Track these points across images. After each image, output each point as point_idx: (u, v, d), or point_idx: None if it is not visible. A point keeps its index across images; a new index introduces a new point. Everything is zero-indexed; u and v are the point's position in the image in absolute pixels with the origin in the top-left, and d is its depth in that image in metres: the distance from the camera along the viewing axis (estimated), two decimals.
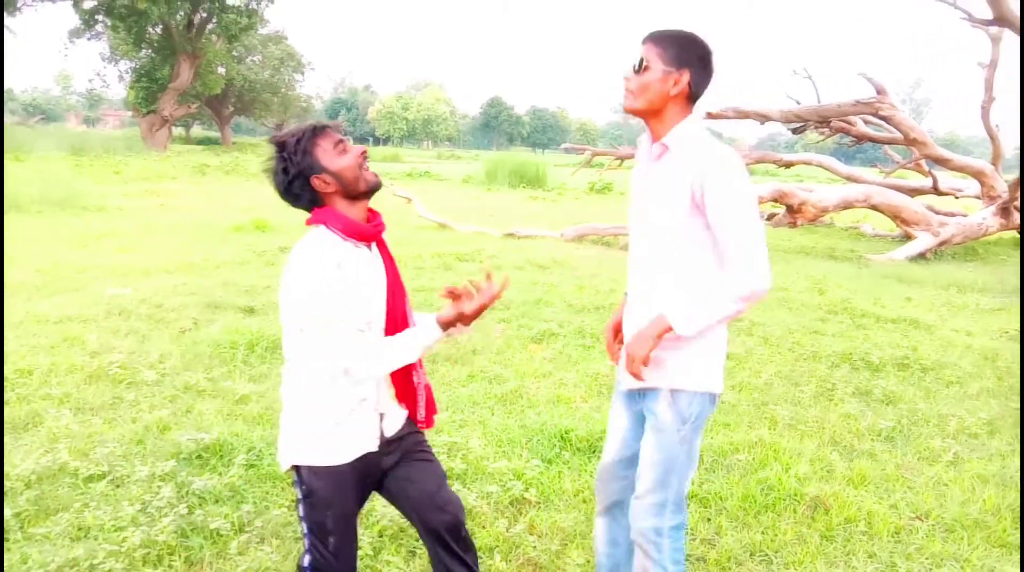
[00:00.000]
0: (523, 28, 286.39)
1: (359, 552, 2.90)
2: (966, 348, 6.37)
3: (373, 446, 2.21)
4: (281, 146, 2.09)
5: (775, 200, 14.09)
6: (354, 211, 2.12)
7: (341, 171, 2.07)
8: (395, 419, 2.29)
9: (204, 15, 40.71)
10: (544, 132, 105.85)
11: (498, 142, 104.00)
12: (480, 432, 4.18)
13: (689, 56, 2.03)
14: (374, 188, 2.13)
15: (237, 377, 4.92)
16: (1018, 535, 3.35)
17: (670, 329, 2.01)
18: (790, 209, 13.89)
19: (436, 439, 3.98)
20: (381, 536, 3.06)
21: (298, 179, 2.07)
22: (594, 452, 3.97)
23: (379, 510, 3.19)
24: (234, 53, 50.14)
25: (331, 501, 2.18)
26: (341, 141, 2.10)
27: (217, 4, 39.76)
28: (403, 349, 2.14)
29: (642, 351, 2.04)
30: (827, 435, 4.40)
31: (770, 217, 15.79)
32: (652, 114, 2.07)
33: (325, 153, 2.07)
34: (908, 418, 4.74)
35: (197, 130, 72.28)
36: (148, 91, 41.56)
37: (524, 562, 3.00)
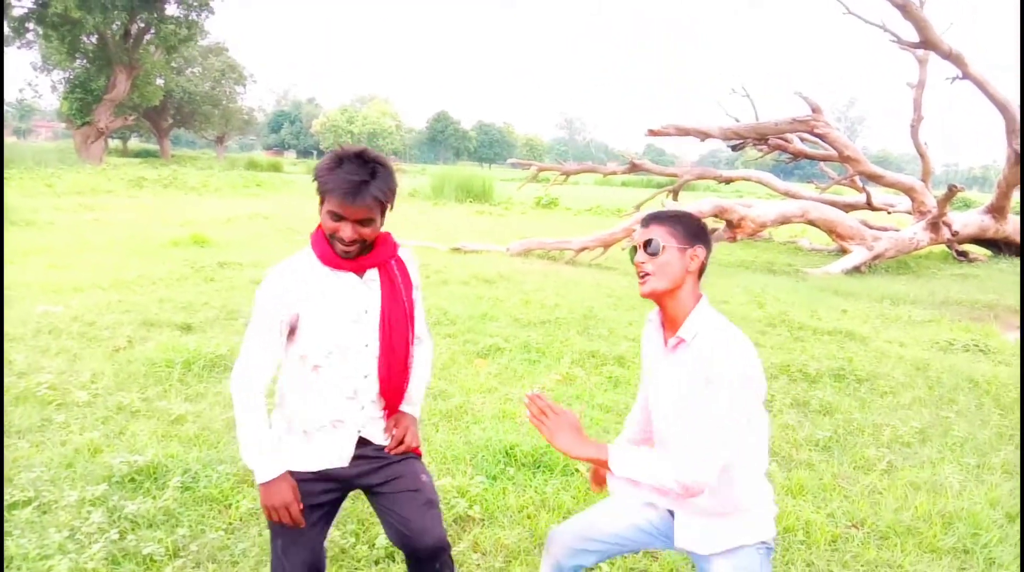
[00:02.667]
0: (470, 42, 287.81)
1: None
2: (899, 359, 6.57)
3: (344, 462, 2.22)
4: (338, 159, 2.04)
5: (715, 215, 14.36)
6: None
7: (322, 220, 2.09)
8: (377, 443, 2.27)
9: (141, 25, 39.77)
10: (491, 147, 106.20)
11: (445, 156, 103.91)
12: (424, 449, 4.13)
13: (696, 231, 2.05)
14: (340, 257, 2.12)
15: (173, 397, 4.78)
16: (948, 540, 3.46)
17: (605, 463, 1.94)
18: (730, 224, 14.18)
19: None
20: None
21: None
22: (538, 467, 3.97)
23: None
24: (173, 64, 49.09)
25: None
26: (341, 217, 2.03)
27: (155, 15, 38.89)
28: (249, 423, 2.10)
29: (565, 447, 1.95)
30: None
31: (711, 232, 16.11)
32: (671, 293, 2.03)
33: (326, 202, 2.05)
34: (844, 428, 4.86)
35: (135, 142, 70.51)
36: (83, 102, 40.31)
37: None
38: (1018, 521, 3.68)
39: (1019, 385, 5.81)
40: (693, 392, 1.97)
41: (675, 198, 16.48)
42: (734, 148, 15.58)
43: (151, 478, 3.59)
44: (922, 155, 15.99)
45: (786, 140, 15.85)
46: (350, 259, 2.12)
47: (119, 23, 38.13)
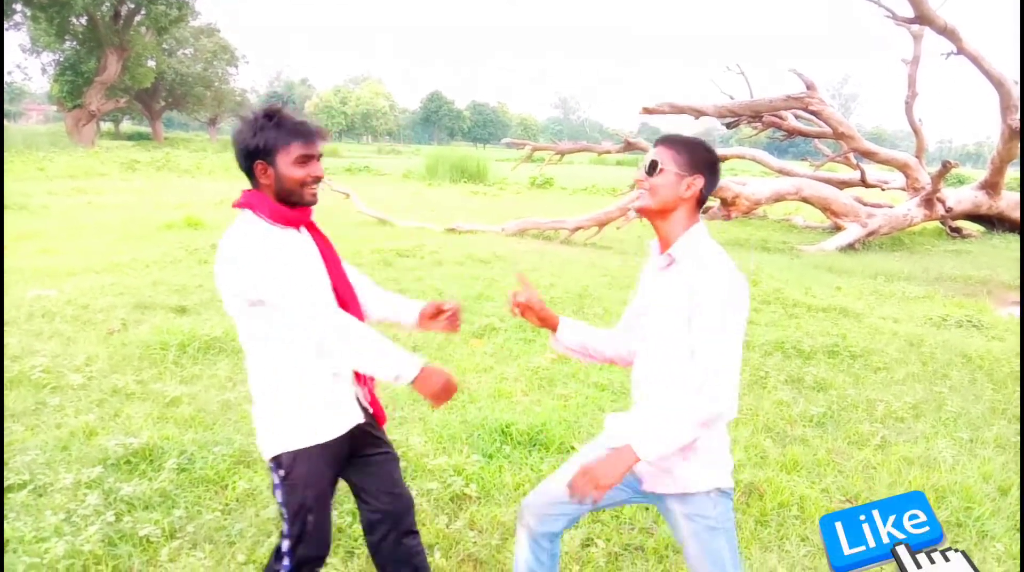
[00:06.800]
0: (463, 22, 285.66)
1: None
2: (892, 335, 6.59)
3: (359, 417, 2.23)
4: (268, 116, 2.06)
5: None
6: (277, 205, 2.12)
7: (285, 175, 2.06)
8: (365, 397, 2.30)
9: (132, 6, 39.38)
10: (485, 127, 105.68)
11: (439, 137, 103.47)
12: (420, 429, 4.15)
13: (700, 161, 2.04)
14: (305, 206, 2.13)
15: (168, 379, 4.78)
16: (941, 513, 3.48)
17: (638, 459, 1.96)
18: (724, 202, 14.15)
19: None
20: None
21: (250, 154, 2.06)
22: (534, 445, 3.98)
23: None
24: (164, 46, 48.68)
25: (309, 481, 2.17)
26: (310, 158, 2.08)
27: None
28: (379, 350, 2.06)
29: (609, 480, 1.95)
30: (761, 422, 4.50)
31: (705, 210, 16.09)
32: (662, 215, 2.07)
33: (286, 154, 2.05)
34: (838, 404, 4.88)
35: (127, 125, 70.02)
36: (73, 85, 39.99)
37: (464, 558, 2.99)
38: (1010, 494, 3.71)
39: (1013, 359, 5.83)
40: (675, 312, 2.01)
41: None
42: (728, 126, 15.52)
43: (147, 460, 3.59)
44: (916, 132, 15.95)
45: (780, 117, 15.78)
46: (309, 205, 2.14)
47: (108, 4, 37.74)
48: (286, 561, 2.21)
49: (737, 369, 1.97)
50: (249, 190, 2.13)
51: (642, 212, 2.10)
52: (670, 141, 2.08)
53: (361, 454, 2.31)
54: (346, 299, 2.22)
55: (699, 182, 2.03)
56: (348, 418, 2.20)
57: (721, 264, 2.00)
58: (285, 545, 2.22)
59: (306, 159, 2.07)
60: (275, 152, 2.04)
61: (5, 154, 24.72)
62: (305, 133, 2.07)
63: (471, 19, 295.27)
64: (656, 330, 2.10)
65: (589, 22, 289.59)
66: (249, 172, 2.10)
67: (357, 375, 2.26)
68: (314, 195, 2.12)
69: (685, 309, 1.99)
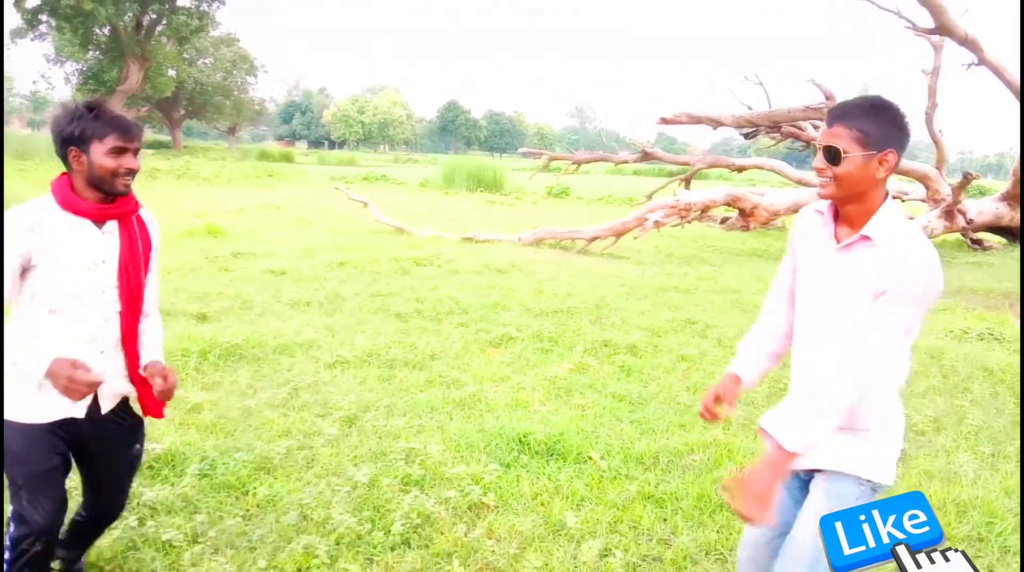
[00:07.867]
0: (480, 31, 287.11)
1: (315, 560, 2.88)
2: (913, 347, 6.49)
3: (80, 413, 2.28)
4: (88, 108, 2.18)
5: (728, 204, 14.33)
6: (89, 193, 2.23)
7: (96, 163, 2.17)
8: (115, 393, 2.38)
9: (153, 16, 39.94)
10: (501, 136, 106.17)
11: (455, 146, 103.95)
12: (438, 437, 4.16)
13: (890, 131, 1.78)
14: (117, 195, 2.25)
15: (190, 385, 4.82)
16: (962, 528, 3.46)
17: (791, 455, 1.77)
18: (743, 213, 14.14)
19: (394, 445, 3.96)
20: (338, 544, 3.03)
21: (65, 140, 2.19)
22: (552, 455, 3.98)
23: (336, 517, 3.16)
24: (185, 55, 49.26)
25: (22, 457, 2.23)
26: (124, 150, 2.19)
27: (167, 5, 39.06)
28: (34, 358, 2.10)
29: (763, 489, 1.75)
30: None
31: (723, 221, 16.06)
32: (852, 200, 1.83)
33: (101, 144, 2.16)
34: None
35: (147, 134, 70.58)
36: (96, 94, 40.36)
37: (482, 567, 3.00)
38: None
39: (1021, 372, 5.78)
40: (867, 294, 1.80)
41: (687, 186, 16.43)
42: (747, 136, 15.51)
43: (169, 465, 3.63)
44: (936, 142, 15.85)
45: (799, 128, 15.74)
46: (121, 194, 2.25)
47: (131, 15, 38.31)
48: (11, 528, 2.30)
49: (885, 364, 1.87)
50: (63, 174, 2.26)
51: (828, 198, 1.89)
52: (848, 115, 1.79)
53: (92, 450, 2.42)
54: (132, 301, 2.32)
55: (893, 158, 1.78)
56: (72, 409, 2.25)
57: (928, 248, 1.80)
58: (11, 512, 2.30)
59: (120, 151, 2.18)
60: (90, 141, 2.16)
61: (30, 162, 25.05)
62: (122, 127, 2.19)
63: (469, 21, 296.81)
64: (837, 312, 1.87)
65: (587, 24, 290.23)
66: (63, 157, 2.22)
67: (132, 372, 2.37)
68: (126, 186, 2.24)
69: (874, 289, 1.79)
